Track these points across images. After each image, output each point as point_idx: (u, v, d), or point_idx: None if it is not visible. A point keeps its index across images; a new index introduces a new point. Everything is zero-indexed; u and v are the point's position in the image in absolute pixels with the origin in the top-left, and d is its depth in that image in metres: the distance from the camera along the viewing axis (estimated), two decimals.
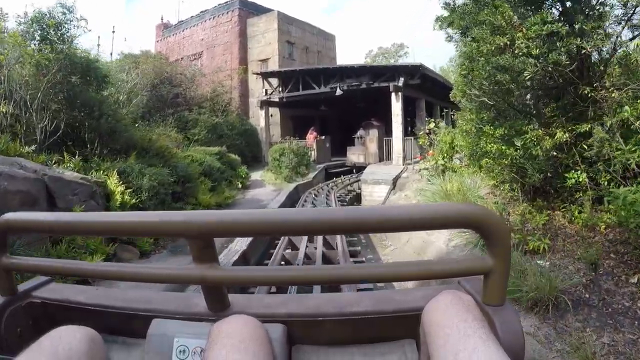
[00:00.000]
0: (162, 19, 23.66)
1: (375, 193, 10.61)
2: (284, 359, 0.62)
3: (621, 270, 3.57)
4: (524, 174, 4.89)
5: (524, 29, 3.71)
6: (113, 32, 13.36)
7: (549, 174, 4.47)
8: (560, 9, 4.20)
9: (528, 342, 3.05)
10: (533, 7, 3.88)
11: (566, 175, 4.29)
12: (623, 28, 4.04)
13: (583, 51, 3.59)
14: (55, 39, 5.65)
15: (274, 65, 17.03)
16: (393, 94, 11.93)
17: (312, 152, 14.05)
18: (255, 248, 5.02)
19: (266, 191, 9.94)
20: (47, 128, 5.48)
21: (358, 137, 14.72)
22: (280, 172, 11.51)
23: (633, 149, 3.36)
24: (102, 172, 5.08)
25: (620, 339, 2.86)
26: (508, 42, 3.75)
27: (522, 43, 3.62)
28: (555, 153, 4.41)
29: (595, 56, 4.30)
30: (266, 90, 15.44)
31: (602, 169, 4.09)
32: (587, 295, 3.50)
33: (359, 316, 0.67)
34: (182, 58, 20.00)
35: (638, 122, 3.35)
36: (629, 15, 3.73)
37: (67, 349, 0.51)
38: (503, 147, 5.03)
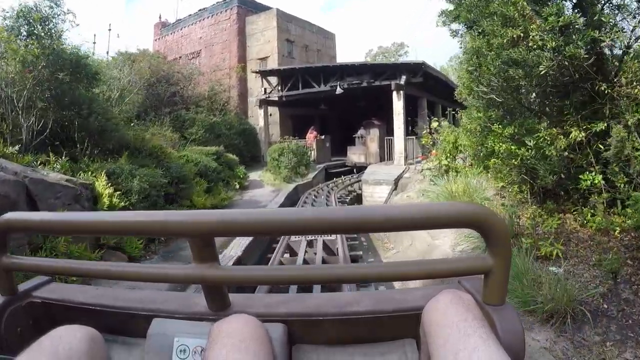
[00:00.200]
0: (160, 18, 23.45)
1: (376, 194, 10.39)
2: (284, 359, 0.62)
3: None
4: (534, 176, 4.66)
5: (537, 21, 3.47)
6: (109, 30, 13.13)
7: (562, 176, 4.22)
8: (575, 0, 3.95)
9: (545, 358, 2.83)
10: None
11: (580, 176, 4.06)
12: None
13: (602, 44, 3.35)
14: (43, 34, 5.39)
15: (273, 64, 16.77)
16: (394, 93, 11.68)
17: (312, 152, 13.80)
18: (251, 253, 4.78)
19: (265, 192, 9.70)
20: (34, 127, 5.23)
21: (359, 137, 14.45)
22: (279, 173, 11.27)
23: None
24: (90, 173, 4.82)
25: None
26: (521, 35, 3.50)
27: (536, 35, 3.38)
28: (567, 153, 4.17)
29: (607, 51, 4.06)
30: (265, 89, 15.18)
31: (618, 170, 3.86)
32: (605, 306, 3.26)
33: (359, 316, 0.67)
34: (180, 57, 19.75)
35: None
36: None
37: (67, 348, 0.51)
38: (512, 147, 4.80)
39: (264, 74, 15.14)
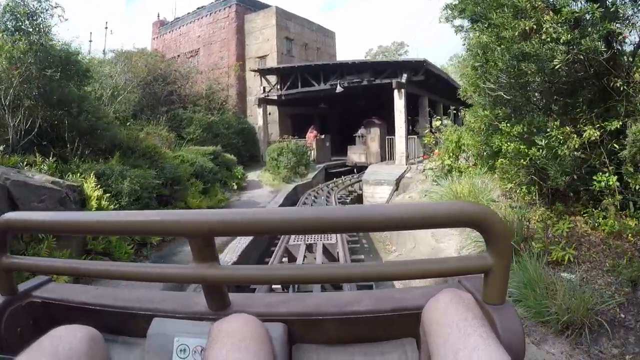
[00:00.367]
0: (158, 16, 23.22)
1: (377, 194, 10.19)
2: (285, 358, 0.61)
3: None
4: (544, 176, 4.45)
5: (551, 12, 3.25)
6: (106, 28, 12.91)
7: (574, 177, 4.01)
8: None
9: None
10: None
11: (594, 177, 3.86)
12: None
13: (620, 37, 3.13)
14: (31, 29, 5.17)
15: (272, 62, 16.55)
16: (396, 91, 11.45)
17: (312, 152, 13.59)
18: (247, 259, 4.57)
19: (263, 192, 9.48)
20: (21, 126, 5.01)
21: (359, 136, 14.22)
22: (278, 173, 11.05)
23: None
24: (79, 174, 4.61)
25: None
26: (534, 27, 3.28)
27: (550, 27, 3.16)
28: (577, 153, 3.96)
29: (620, 46, 3.84)
30: (264, 88, 14.95)
31: (633, 170, 3.66)
32: (622, 315, 3.06)
33: (359, 315, 0.66)
34: (178, 56, 19.52)
35: None
36: None
37: (67, 348, 0.51)
38: (521, 146, 4.59)
39: (263, 72, 14.91)
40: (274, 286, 3.39)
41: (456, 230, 5.19)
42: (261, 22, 17.70)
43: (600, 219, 3.95)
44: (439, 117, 8.65)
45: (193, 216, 0.56)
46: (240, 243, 4.70)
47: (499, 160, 4.91)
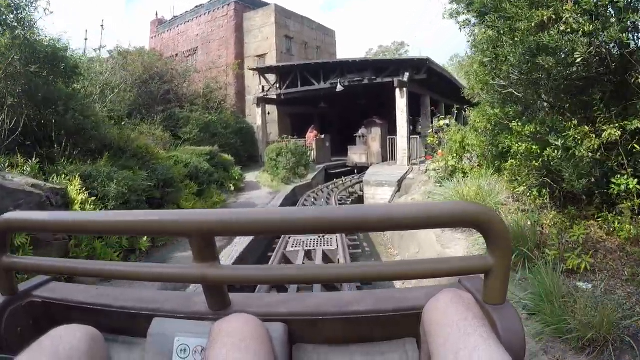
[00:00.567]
0: (156, 15, 22.95)
1: (378, 196, 9.94)
2: (285, 358, 0.61)
3: None
4: (557, 179, 4.20)
5: (570, 1, 2.99)
6: (102, 26, 12.60)
7: (592, 179, 3.74)
8: None
9: None
10: None
11: (612, 180, 3.60)
12: None
13: None
14: (15, 23, 4.90)
15: (271, 61, 16.28)
16: (397, 90, 11.19)
17: (312, 152, 13.32)
18: (244, 264, 4.31)
19: (261, 194, 9.21)
20: (5, 126, 4.75)
21: (360, 136, 13.93)
22: (277, 174, 10.79)
23: None
24: (64, 176, 4.34)
25: None
26: (553, 16, 3.02)
27: (570, 17, 2.91)
28: (591, 154, 3.71)
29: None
30: (263, 87, 14.67)
31: None
32: None
33: (359, 315, 0.66)
34: (176, 54, 19.25)
35: None
36: None
37: (67, 348, 0.51)
38: (533, 147, 4.33)
39: (262, 71, 14.64)
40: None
41: (462, 234, 4.96)
42: (260, 20, 17.44)
43: (616, 223, 3.72)
44: (443, 117, 8.38)
45: (193, 216, 0.56)
46: (236, 249, 4.45)
47: (508, 162, 4.64)
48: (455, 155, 8.16)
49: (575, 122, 3.52)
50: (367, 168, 12.16)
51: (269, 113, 15.83)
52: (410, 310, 0.65)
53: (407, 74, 11.09)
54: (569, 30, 2.98)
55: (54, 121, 5.12)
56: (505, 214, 4.47)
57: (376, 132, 13.51)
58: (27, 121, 4.98)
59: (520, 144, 4.41)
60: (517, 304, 3.27)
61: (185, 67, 14.13)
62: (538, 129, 4.22)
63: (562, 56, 3.07)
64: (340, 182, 11.67)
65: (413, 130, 12.84)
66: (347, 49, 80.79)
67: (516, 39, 3.47)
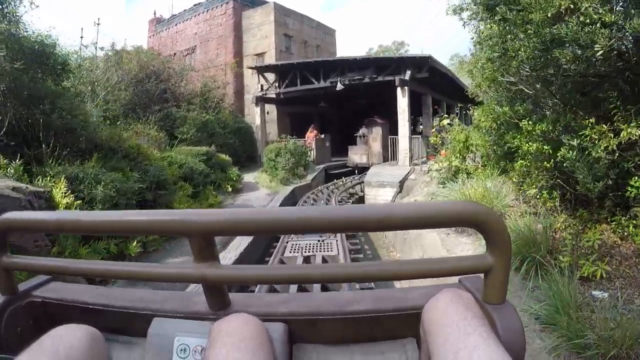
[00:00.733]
0: (154, 14, 22.69)
1: (379, 197, 9.73)
2: (285, 358, 0.61)
3: None
4: (570, 181, 3.98)
5: None
6: (98, 24, 12.29)
7: (609, 182, 3.52)
8: None
9: None
10: None
11: (629, 182, 3.38)
12: None
13: None
14: (0, 17, 4.67)
15: (270, 60, 16.04)
16: (399, 89, 10.95)
17: (311, 152, 13.08)
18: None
19: (260, 195, 8.98)
20: None
21: (360, 136, 13.69)
22: (275, 174, 10.56)
23: None
24: (50, 178, 4.11)
25: None
26: (571, 6, 2.79)
27: (589, 6, 2.68)
28: (608, 155, 3.50)
29: None
30: (262, 86, 14.43)
31: None
32: None
33: (359, 315, 0.66)
34: (174, 53, 18.99)
35: None
36: None
37: (67, 347, 0.51)
38: (545, 147, 4.11)
39: (261, 69, 14.40)
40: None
41: (468, 239, 4.76)
42: (259, 18, 17.20)
43: (631, 227, 3.52)
44: (446, 115, 8.16)
45: (193, 216, 0.56)
46: (229, 255, 4.22)
47: (518, 162, 4.42)
48: (458, 155, 7.97)
49: (592, 120, 3.30)
50: (367, 168, 11.95)
51: (268, 112, 15.60)
52: (410, 310, 0.65)
53: (408, 72, 10.86)
54: (588, 21, 2.76)
55: (41, 121, 4.88)
56: (514, 218, 4.25)
57: (377, 131, 13.28)
58: (12, 120, 4.75)
59: (530, 143, 4.20)
60: (531, 316, 3.05)
61: (183, 65, 13.88)
62: (550, 128, 4.00)
63: (579, 50, 2.84)
64: (341, 183, 11.44)
65: (413, 130, 12.62)
66: (347, 49, 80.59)
67: (529, 31, 3.25)
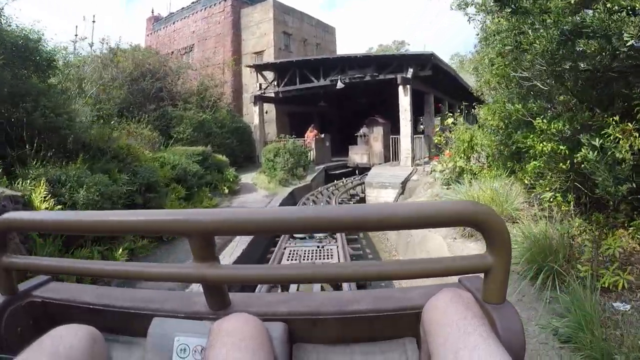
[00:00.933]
0: (152, 12, 22.41)
1: (381, 198, 9.46)
2: (285, 358, 0.61)
3: None
4: (589, 183, 3.72)
5: None
6: (93, 22, 11.96)
7: (633, 184, 3.25)
8: None
9: None
10: None
11: None
12: None
13: None
14: None
15: (269, 58, 15.73)
16: (401, 87, 10.67)
17: (311, 152, 12.80)
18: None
19: (257, 197, 8.71)
20: None
21: (361, 136, 13.40)
22: (274, 175, 10.28)
23: None
24: (30, 181, 3.83)
25: None
26: None
27: None
28: (633, 155, 3.23)
29: None
30: (260, 85, 14.14)
31: None
32: None
33: (359, 314, 0.66)
34: (172, 52, 18.69)
35: None
36: None
37: (67, 347, 0.51)
38: (561, 147, 3.83)
39: (259, 68, 14.11)
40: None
41: (476, 244, 4.51)
42: (258, 16, 16.90)
43: None
44: (450, 114, 7.89)
45: (193, 215, 0.56)
46: (223, 261, 3.95)
47: (531, 163, 4.14)
48: (462, 155, 7.72)
49: (617, 118, 3.02)
50: (368, 169, 11.67)
51: (266, 112, 15.31)
52: (410, 310, 0.64)
53: (410, 70, 10.57)
54: (615, 7, 2.49)
55: (24, 119, 4.61)
56: (527, 223, 3.98)
57: (378, 131, 12.99)
58: None
59: (545, 143, 3.92)
60: (548, 330, 2.80)
61: (179, 63, 13.57)
62: (566, 126, 3.72)
63: (606, 39, 2.57)
64: (341, 184, 11.16)
65: (414, 130, 12.33)
66: (348, 48, 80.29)
67: (547, 20, 2.97)
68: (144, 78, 11.01)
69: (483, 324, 0.50)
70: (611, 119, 3.05)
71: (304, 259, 4.19)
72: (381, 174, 10.15)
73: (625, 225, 3.67)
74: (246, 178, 10.55)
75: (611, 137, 3.10)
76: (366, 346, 0.66)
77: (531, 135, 4.13)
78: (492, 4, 4.41)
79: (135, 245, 4.16)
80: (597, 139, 3.16)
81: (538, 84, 3.79)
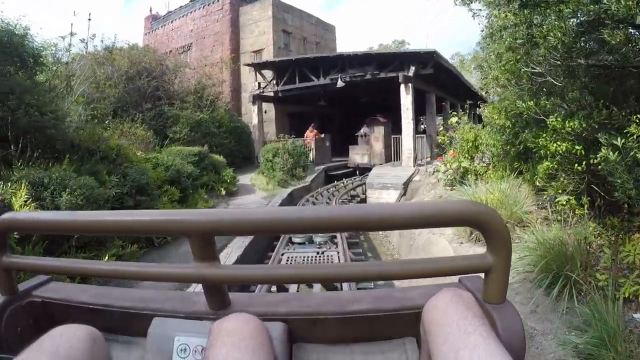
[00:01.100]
0: (150, 11, 22.19)
1: (382, 199, 9.24)
2: (285, 358, 0.61)
3: None
4: (605, 185, 3.51)
5: None
6: (89, 19, 11.71)
7: None
8: None
9: None
10: None
11: None
12: None
13: None
14: None
15: (268, 57, 15.49)
16: (402, 86, 10.42)
17: (311, 152, 12.56)
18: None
19: (255, 198, 8.47)
20: None
21: (362, 135, 13.15)
22: (273, 176, 10.04)
23: None
24: (11, 183, 3.60)
25: None
26: None
27: None
28: None
29: None
30: (259, 84, 13.90)
31: None
32: None
33: (359, 314, 0.66)
34: (170, 51, 18.46)
35: None
36: None
37: (67, 347, 0.51)
38: (576, 147, 3.61)
39: (258, 66, 13.86)
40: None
41: (484, 248, 4.26)
42: (257, 14, 16.66)
43: None
44: (455, 113, 7.66)
45: (193, 215, 0.56)
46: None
47: (543, 164, 3.91)
48: (467, 155, 7.50)
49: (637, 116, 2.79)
50: (369, 169, 11.43)
51: (265, 111, 15.06)
52: (410, 310, 0.64)
53: (412, 68, 10.33)
54: None
55: (9, 119, 4.37)
56: (540, 228, 3.75)
57: (379, 130, 12.75)
58: None
59: (559, 143, 3.69)
60: (566, 346, 2.57)
61: (176, 61, 13.32)
62: (583, 125, 3.49)
63: (634, 30, 2.34)
64: (342, 185, 10.92)
65: (416, 130, 12.10)
66: (347, 48, 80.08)
67: (566, 10, 2.74)
68: (139, 77, 10.77)
69: (483, 323, 0.51)
70: (635, 117, 2.81)
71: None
72: (382, 175, 9.92)
73: None
74: (244, 179, 10.30)
75: (634, 137, 2.87)
76: (366, 346, 0.66)
77: (543, 135, 3.90)
78: None
79: (124, 252, 3.93)
80: (618, 139, 2.93)
81: (551, 79, 3.55)
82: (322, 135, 13.78)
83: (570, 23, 2.82)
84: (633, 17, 2.29)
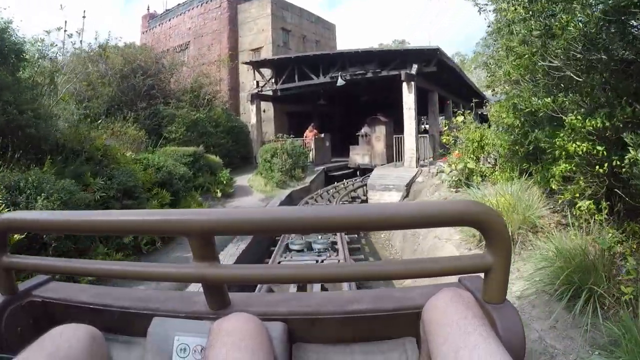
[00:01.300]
0: (148, 9, 21.89)
1: (384, 201, 8.94)
2: (285, 357, 0.61)
3: None
4: (630, 189, 3.25)
5: None
6: (84, 17, 11.37)
7: None
8: None
9: None
10: None
11: None
12: None
13: None
14: None
15: (267, 55, 15.20)
16: (404, 84, 10.14)
17: (310, 153, 12.27)
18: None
19: (252, 200, 8.19)
20: None
21: (362, 135, 12.85)
22: (271, 177, 9.76)
23: None
24: None
25: None
26: None
27: None
28: None
29: None
30: (257, 82, 13.60)
31: None
32: None
33: (359, 314, 0.66)
34: (168, 50, 18.17)
35: None
36: None
37: (67, 347, 0.51)
38: (598, 147, 3.34)
39: (257, 65, 13.56)
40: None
41: None
42: (255, 11, 16.37)
43: None
44: (461, 111, 7.39)
45: (193, 215, 0.56)
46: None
47: (560, 166, 3.63)
48: (472, 156, 7.23)
49: None
50: (370, 170, 11.15)
51: (264, 111, 14.77)
52: (410, 309, 0.64)
53: (415, 66, 10.04)
54: None
55: None
56: (558, 236, 3.46)
57: (380, 130, 12.45)
58: None
59: (578, 143, 3.41)
60: None
61: (172, 59, 13.02)
62: (606, 123, 3.21)
63: None
64: (342, 186, 10.63)
65: (418, 129, 11.81)
66: (348, 47, 79.84)
67: None
68: (134, 75, 10.47)
69: (483, 323, 0.50)
70: None
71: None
72: (384, 176, 9.64)
73: None
74: (242, 180, 10.01)
75: None
76: (366, 346, 0.65)
77: (560, 134, 3.62)
78: None
79: (117, 256, 3.64)
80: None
81: (571, 74, 3.27)
82: (322, 135, 13.49)
83: (596, 12, 2.55)
84: None
